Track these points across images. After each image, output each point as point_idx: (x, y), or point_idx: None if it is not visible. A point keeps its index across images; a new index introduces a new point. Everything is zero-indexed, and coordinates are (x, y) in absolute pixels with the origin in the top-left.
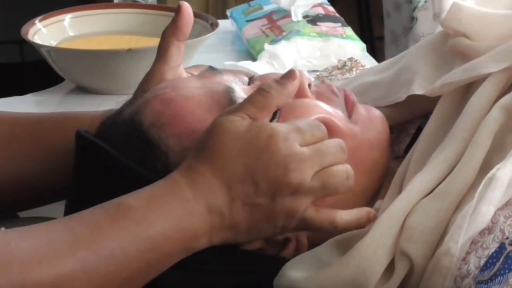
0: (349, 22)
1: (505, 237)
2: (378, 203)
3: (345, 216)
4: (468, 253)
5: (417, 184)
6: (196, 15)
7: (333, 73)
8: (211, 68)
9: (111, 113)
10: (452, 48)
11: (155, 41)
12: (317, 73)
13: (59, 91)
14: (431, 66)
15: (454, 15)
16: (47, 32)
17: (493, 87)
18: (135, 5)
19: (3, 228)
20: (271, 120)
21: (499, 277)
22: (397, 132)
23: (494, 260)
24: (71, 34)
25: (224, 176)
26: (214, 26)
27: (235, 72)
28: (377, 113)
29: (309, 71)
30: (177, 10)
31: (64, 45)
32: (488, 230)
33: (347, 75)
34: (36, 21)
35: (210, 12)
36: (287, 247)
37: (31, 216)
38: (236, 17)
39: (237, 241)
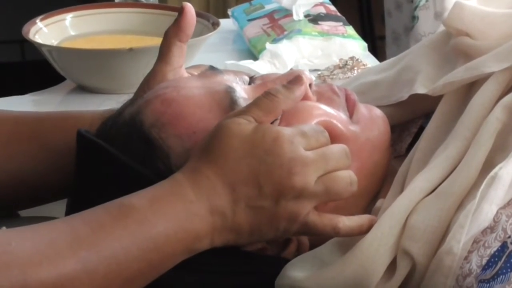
0: (350, 21)
1: (507, 236)
2: (379, 202)
3: (347, 222)
4: (470, 252)
5: (419, 183)
6: (197, 14)
7: (335, 72)
8: (211, 68)
9: (112, 112)
10: (455, 47)
11: (156, 41)
12: (319, 72)
13: (60, 90)
14: (433, 65)
15: (456, 14)
16: (48, 32)
17: (496, 86)
18: (136, 4)
19: (4, 228)
20: (272, 123)
21: (501, 276)
22: (399, 131)
23: (496, 259)
24: (72, 33)
25: (228, 178)
26: (215, 25)
27: (235, 72)
28: (378, 112)
29: (310, 70)
30: (180, 11)
31: (65, 45)
32: (490, 229)
33: (349, 74)
34: (37, 21)
35: (211, 11)
36: (288, 248)
37: (32, 216)
38: (238, 16)
39: (239, 243)
